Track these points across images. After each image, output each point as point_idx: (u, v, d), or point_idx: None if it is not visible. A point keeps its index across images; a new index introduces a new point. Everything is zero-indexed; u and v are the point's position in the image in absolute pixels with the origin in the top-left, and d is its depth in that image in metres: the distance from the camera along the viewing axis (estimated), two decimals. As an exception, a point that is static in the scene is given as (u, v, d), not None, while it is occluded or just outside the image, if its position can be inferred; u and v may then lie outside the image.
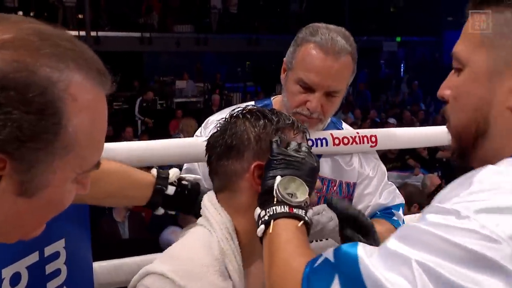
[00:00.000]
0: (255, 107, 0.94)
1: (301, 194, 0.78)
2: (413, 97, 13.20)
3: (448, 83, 0.69)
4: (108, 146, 1.19)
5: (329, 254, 0.62)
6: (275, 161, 0.80)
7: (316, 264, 0.62)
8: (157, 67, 15.05)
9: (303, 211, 0.77)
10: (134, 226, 4.42)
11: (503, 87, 0.61)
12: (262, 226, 0.76)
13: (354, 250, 0.59)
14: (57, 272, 1.09)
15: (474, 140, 0.65)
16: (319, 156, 1.30)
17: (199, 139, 1.14)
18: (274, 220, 0.75)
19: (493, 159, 0.61)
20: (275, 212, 0.76)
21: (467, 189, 0.55)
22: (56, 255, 1.08)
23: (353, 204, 1.32)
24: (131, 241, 4.16)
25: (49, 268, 1.07)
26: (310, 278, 0.61)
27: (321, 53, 1.17)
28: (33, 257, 1.02)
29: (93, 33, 12.61)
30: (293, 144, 0.85)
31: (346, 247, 0.61)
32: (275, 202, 0.76)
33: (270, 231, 0.74)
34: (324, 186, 1.28)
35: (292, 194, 0.77)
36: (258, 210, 0.79)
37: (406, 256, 0.55)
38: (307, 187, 0.79)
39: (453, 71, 0.69)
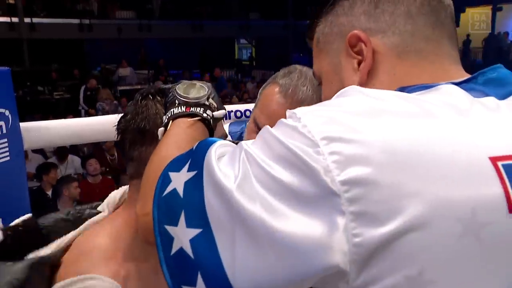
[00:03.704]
0: (164, 85, 0.89)
1: (201, 93, 0.80)
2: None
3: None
4: (43, 124, 1.17)
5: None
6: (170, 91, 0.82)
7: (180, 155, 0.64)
8: (100, 55, 14.57)
9: (202, 109, 0.78)
10: (81, 216, 4.32)
11: (347, 71, 0.65)
12: (162, 129, 0.78)
13: (210, 143, 0.59)
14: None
15: None
16: None
17: None
18: (172, 121, 0.76)
19: None
20: (172, 113, 0.77)
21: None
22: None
23: None
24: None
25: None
26: (171, 162, 0.63)
27: (281, 98, 1.06)
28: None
29: (27, 20, 12.01)
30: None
31: (207, 140, 0.61)
32: (176, 105, 0.78)
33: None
34: None
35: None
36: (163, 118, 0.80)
37: (241, 147, 0.55)
38: (207, 88, 0.81)
39: None
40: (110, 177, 5.22)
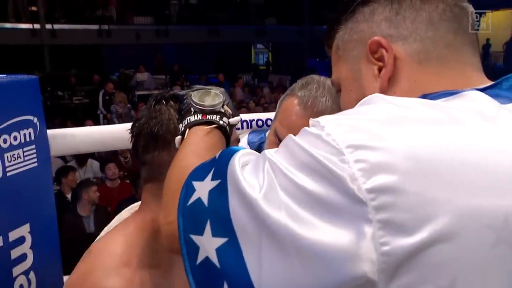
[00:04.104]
0: (178, 91, 0.90)
1: (216, 101, 0.81)
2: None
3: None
4: (69, 131, 1.19)
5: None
6: (185, 97, 0.82)
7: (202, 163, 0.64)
8: (118, 60, 14.76)
9: (218, 116, 0.79)
10: (100, 220, 4.38)
11: (368, 78, 0.64)
12: (179, 137, 0.78)
13: (233, 151, 0.60)
14: (23, 257, 1.09)
15: None
16: None
17: None
18: (189, 129, 0.77)
19: None
20: (189, 121, 0.78)
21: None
22: (21, 240, 1.09)
23: None
24: (97, 235, 4.11)
25: (14, 253, 1.07)
26: (193, 171, 0.63)
27: (301, 110, 1.06)
28: (-3, 242, 1.02)
29: (48, 26, 12.25)
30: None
31: (231, 148, 0.62)
32: (192, 113, 0.79)
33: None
34: None
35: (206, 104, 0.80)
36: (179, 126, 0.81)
37: (265, 155, 0.55)
38: (222, 95, 0.82)
39: None
40: (128, 181, 5.28)
